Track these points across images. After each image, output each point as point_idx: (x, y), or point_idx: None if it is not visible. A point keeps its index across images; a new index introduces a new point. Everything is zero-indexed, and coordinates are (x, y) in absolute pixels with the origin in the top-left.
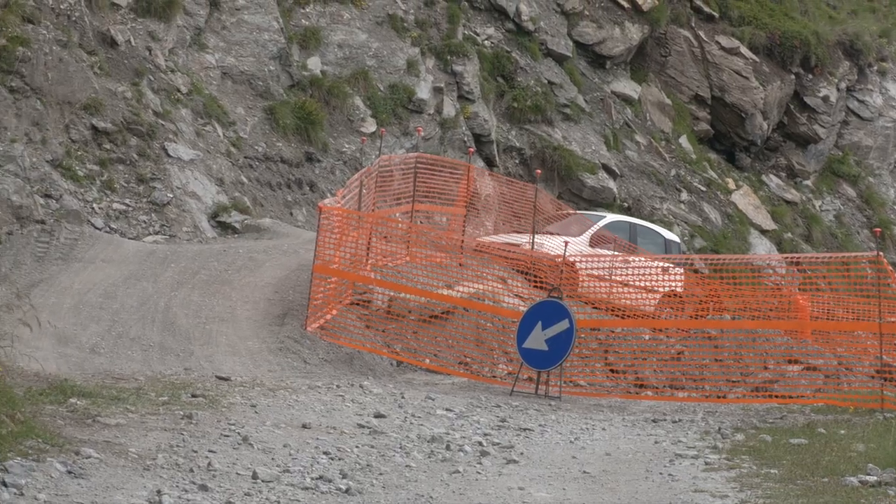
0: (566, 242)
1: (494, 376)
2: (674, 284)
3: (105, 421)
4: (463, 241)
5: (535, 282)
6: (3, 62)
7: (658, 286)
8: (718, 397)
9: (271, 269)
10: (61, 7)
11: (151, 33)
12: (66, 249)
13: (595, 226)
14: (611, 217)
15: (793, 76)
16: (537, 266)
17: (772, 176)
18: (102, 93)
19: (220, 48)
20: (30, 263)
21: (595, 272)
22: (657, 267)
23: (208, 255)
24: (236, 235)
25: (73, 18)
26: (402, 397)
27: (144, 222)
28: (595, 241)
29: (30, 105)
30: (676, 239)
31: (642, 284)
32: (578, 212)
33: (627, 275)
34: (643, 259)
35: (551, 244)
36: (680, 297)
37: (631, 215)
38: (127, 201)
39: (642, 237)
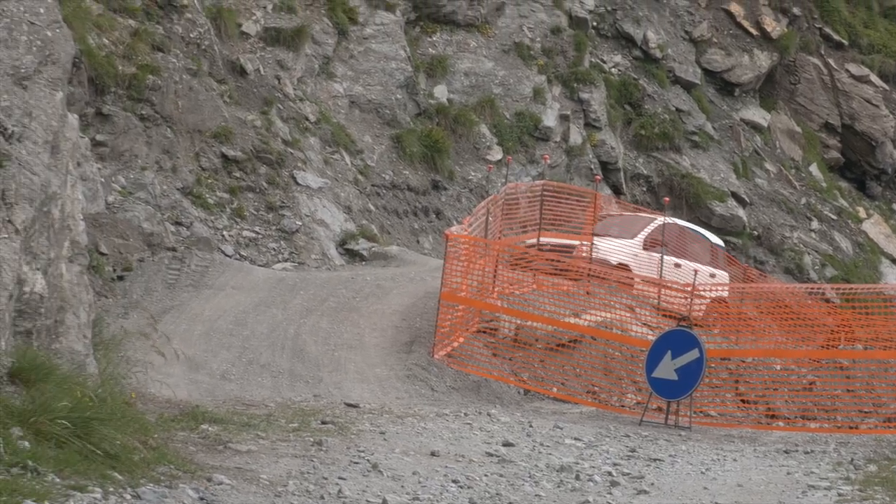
0: (696, 271)
1: (623, 406)
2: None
3: (236, 447)
4: (589, 270)
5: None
6: (133, 90)
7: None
8: (850, 428)
9: (398, 296)
10: (191, 36)
11: (280, 62)
12: (196, 276)
13: (648, 228)
14: (662, 219)
15: None
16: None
17: None
18: (232, 121)
19: (348, 77)
20: (161, 290)
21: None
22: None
23: (336, 282)
24: (364, 263)
25: (203, 47)
26: (531, 426)
27: (274, 250)
28: (648, 244)
29: (160, 133)
30: (721, 243)
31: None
32: (626, 213)
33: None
34: (772, 286)
35: (607, 246)
36: (727, 303)
37: (761, 244)
38: (256, 229)
39: (691, 240)
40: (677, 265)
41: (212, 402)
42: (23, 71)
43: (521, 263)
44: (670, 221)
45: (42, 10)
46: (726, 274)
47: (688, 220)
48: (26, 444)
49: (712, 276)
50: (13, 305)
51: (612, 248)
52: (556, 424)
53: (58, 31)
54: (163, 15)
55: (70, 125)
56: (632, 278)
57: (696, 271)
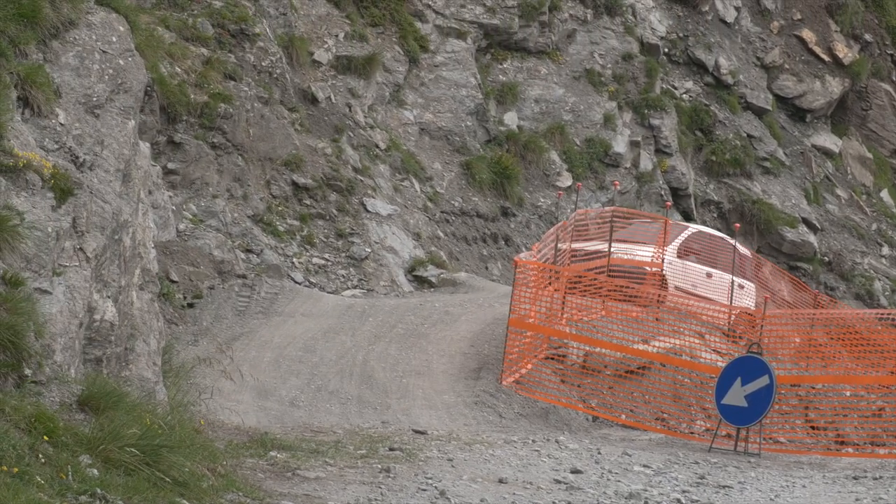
0: (766, 298)
1: (692, 432)
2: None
3: (304, 474)
4: (659, 296)
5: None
6: (205, 118)
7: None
8: None
9: (467, 322)
10: (263, 64)
11: (351, 90)
12: (266, 303)
13: (681, 235)
14: (694, 227)
15: None
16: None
17: None
18: (303, 149)
19: (419, 104)
20: (231, 317)
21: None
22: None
23: (405, 308)
24: (432, 289)
25: (275, 75)
26: (599, 453)
27: (343, 276)
28: (682, 253)
29: (231, 161)
30: (747, 252)
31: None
32: (656, 218)
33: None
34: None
35: (640, 253)
36: (752, 315)
37: (831, 270)
38: (326, 256)
39: (717, 248)
40: (709, 275)
41: (280, 429)
42: (95, 99)
43: (590, 289)
44: (700, 230)
45: (114, 39)
46: (753, 285)
47: (758, 247)
48: (95, 471)
49: (741, 287)
50: (83, 333)
51: (644, 254)
52: (625, 451)
53: (130, 59)
54: (235, 43)
55: (142, 153)
56: (685, 297)
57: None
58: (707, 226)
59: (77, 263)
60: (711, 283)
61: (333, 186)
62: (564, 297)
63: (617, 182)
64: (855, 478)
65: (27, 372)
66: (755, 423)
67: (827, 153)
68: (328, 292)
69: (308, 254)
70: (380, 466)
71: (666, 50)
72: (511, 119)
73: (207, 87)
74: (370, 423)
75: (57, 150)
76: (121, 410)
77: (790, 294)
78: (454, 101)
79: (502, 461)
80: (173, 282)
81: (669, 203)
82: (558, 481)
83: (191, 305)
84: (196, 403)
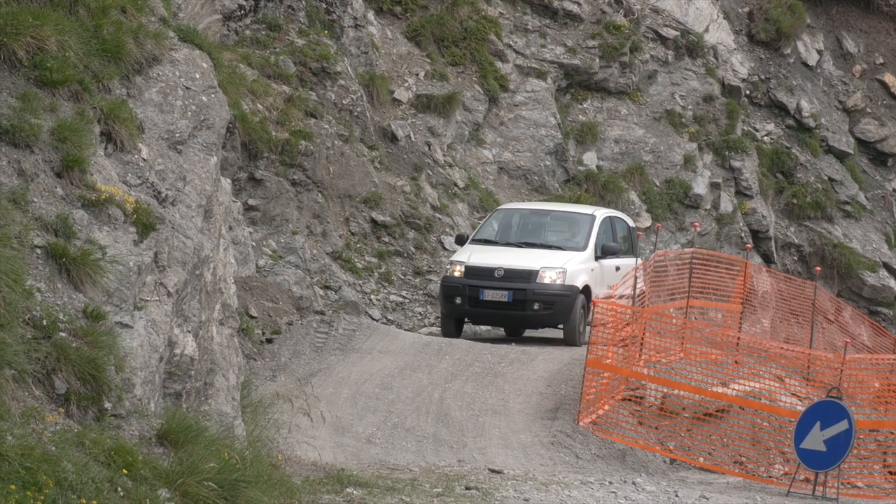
0: (847, 342)
1: (770, 476)
2: None
3: None
4: (739, 339)
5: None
6: (286, 156)
7: None
8: None
9: (543, 362)
10: (344, 102)
11: (431, 128)
12: (344, 340)
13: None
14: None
15: None
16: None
17: None
18: (382, 186)
19: (498, 143)
20: (309, 353)
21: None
22: None
23: (481, 347)
24: None
25: (355, 113)
26: (676, 495)
27: (420, 314)
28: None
29: (311, 198)
30: (631, 222)
31: None
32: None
33: None
34: None
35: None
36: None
37: None
38: (403, 293)
39: (616, 227)
40: (617, 268)
41: (357, 466)
42: (178, 135)
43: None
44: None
45: (198, 76)
46: (636, 262)
47: (839, 290)
48: None
49: (617, 269)
50: (164, 367)
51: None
52: (703, 494)
53: (213, 96)
54: (316, 81)
55: (223, 189)
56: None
57: (846, 342)
58: (787, 270)
59: (158, 298)
60: (619, 275)
61: (412, 224)
62: (643, 339)
63: (697, 223)
64: None
65: (107, 405)
66: (834, 467)
67: None
68: (405, 329)
69: (385, 291)
70: None
71: (747, 92)
72: (590, 159)
73: (288, 124)
74: (446, 461)
75: (139, 185)
76: (199, 445)
77: (870, 339)
78: (533, 141)
79: (579, 502)
80: (252, 317)
81: (750, 245)
82: None
83: (269, 341)
84: (274, 439)
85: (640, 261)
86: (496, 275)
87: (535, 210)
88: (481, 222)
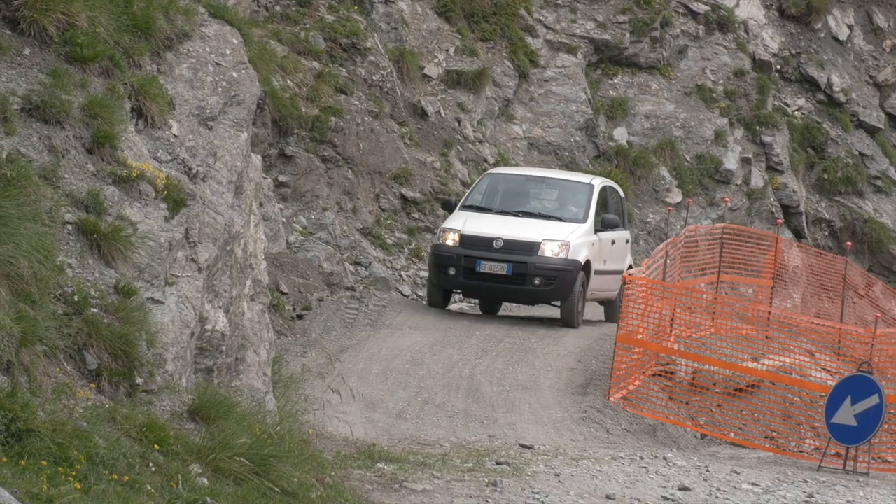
0: (877, 316)
1: (801, 451)
2: None
3: (412, 486)
4: (770, 314)
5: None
6: (316, 132)
7: None
8: None
9: (574, 337)
10: (374, 78)
11: (461, 104)
12: (374, 316)
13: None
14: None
15: None
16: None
17: None
18: (412, 163)
19: (528, 119)
20: (339, 329)
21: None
22: None
23: (512, 322)
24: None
25: (385, 90)
26: (707, 470)
27: None
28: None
29: (341, 174)
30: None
31: None
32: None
33: None
34: None
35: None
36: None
37: None
38: None
39: (609, 197)
40: (613, 242)
41: (388, 441)
42: (208, 111)
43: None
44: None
45: (228, 52)
46: (625, 235)
47: (870, 265)
48: (205, 480)
49: (612, 242)
50: (195, 343)
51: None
52: (734, 469)
53: (243, 72)
54: (346, 57)
55: (254, 166)
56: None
57: (877, 316)
58: (818, 245)
59: (189, 274)
60: (615, 249)
61: (442, 200)
62: (673, 314)
63: (727, 199)
64: None
65: (139, 381)
66: (864, 441)
67: None
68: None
69: (416, 267)
70: (486, 480)
71: (778, 67)
72: (621, 134)
73: (319, 100)
74: (477, 436)
75: (170, 161)
76: (231, 420)
77: None
78: (563, 116)
79: (610, 477)
80: (283, 293)
81: (781, 221)
82: (666, 498)
83: (300, 317)
84: (305, 414)
85: (628, 235)
86: (495, 245)
87: (529, 176)
88: (471, 186)
